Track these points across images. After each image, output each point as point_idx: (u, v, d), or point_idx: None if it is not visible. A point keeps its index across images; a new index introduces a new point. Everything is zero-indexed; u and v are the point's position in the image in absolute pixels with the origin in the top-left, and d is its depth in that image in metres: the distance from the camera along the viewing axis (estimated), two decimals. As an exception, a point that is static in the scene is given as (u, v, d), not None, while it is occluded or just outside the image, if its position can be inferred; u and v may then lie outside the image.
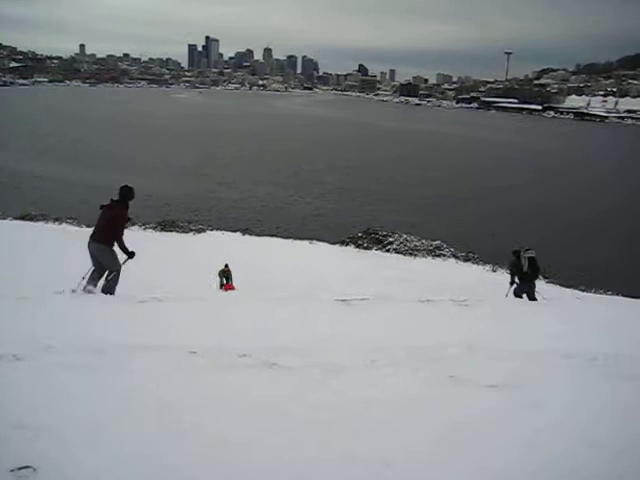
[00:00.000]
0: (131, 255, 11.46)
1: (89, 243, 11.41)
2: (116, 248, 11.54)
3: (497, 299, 13.03)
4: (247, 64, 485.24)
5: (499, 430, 5.37)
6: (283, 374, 6.60)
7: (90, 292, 11.01)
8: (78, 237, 34.46)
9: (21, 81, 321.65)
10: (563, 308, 12.44)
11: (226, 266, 23.41)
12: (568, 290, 28.01)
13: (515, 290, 16.57)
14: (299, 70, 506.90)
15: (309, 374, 6.61)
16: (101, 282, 11.54)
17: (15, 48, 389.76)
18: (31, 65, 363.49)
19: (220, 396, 5.84)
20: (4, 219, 38.61)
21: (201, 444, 4.81)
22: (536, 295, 16.39)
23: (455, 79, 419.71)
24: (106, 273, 11.52)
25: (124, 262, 11.61)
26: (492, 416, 5.70)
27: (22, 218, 38.80)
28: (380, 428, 5.29)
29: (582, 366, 7.49)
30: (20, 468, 4.23)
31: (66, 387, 5.71)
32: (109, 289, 11.34)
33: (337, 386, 6.29)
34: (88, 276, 11.44)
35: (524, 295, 16.32)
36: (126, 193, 11.76)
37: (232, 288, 22.49)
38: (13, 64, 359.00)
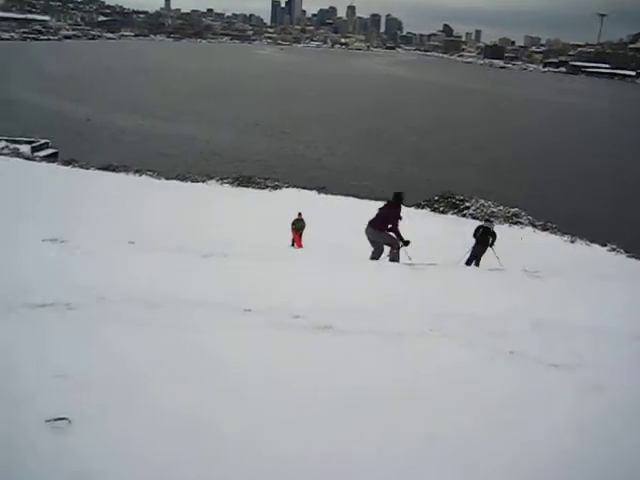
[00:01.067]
0: (406, 243, 13.10)
1: (367, 229, 13.34)
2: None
3: (573, 271, 12.38)
4: (330, 22, 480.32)
5: (553, 412, 5.14)
6: (337, 339, 6.43)
7: None
8: (161, 188, 35.61)
9: (108, 35, 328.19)
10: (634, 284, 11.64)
11: (299, 215, 23.36)
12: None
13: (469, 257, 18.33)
14: (382, 29, 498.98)
15: (364, 340, 6.43)
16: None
17: (103, 2, 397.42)
18: (118, 19, 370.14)
19: (268, 358, 5.76)
20: (87, 169, 39.73)
21: (242, 405, 4.79)
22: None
23: (544, 42, 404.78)
24: (389, 249, 13.28)
25: (400, 246, 13.20)
26: (548, 397, 5.43)
27: (104, 169, 39.78)
28: (428, 403, 5.16)
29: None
30: (56, 419, 4.25)
31: (114, 340, 5.75)
32: (394, 258, 13.08)
33: (391, 356, 6.12)
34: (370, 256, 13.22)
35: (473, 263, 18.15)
36: (401, 198, 13.58)
37: (300, 246, 22.54)
38: (101, 18, 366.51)
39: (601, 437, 4.76)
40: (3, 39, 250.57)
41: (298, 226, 23.00)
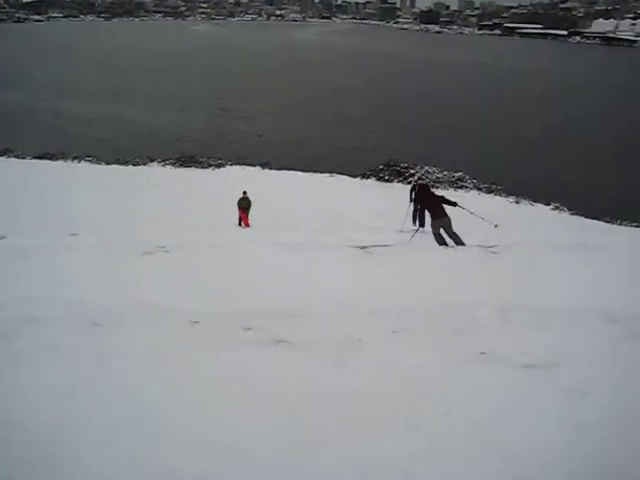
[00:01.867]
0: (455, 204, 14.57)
1: (434, 222, 14.24)
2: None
3: (527, 241, 12.17)
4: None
5: (535, 425, 4.77)
6: (290, 355, 5.95)
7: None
8: (101, 174, 34.82)
9: (36, 17, 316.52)
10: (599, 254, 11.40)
11: (244, 193, 23.06)
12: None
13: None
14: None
15: (321, 352, 5.97)
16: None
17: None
18: (45, 0, 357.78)
19: (214, 382, 5.38)
20: (23, 158, 38.63)
21: (189, 446, 4.50)
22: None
23: (477, 5, 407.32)
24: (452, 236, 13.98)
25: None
26: (527, 407, 5.05)
27: (41, 157, 38.73)
28: (399, 425, 4.79)
29: (630, 335, 6.48)
30: None
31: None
32: (460, 241, 13.68)
33: (351, 370, 5.67)
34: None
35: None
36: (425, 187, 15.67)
37: (247, 224, 22.33)
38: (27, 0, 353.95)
39: (587, 450, 4.47)
40: None
41: (244, 205, 22.73)
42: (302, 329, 6.64)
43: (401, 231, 17.95)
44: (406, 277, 9.25)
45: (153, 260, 10.13)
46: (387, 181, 34.78)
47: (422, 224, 17.62)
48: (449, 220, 14.21)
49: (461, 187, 33.41)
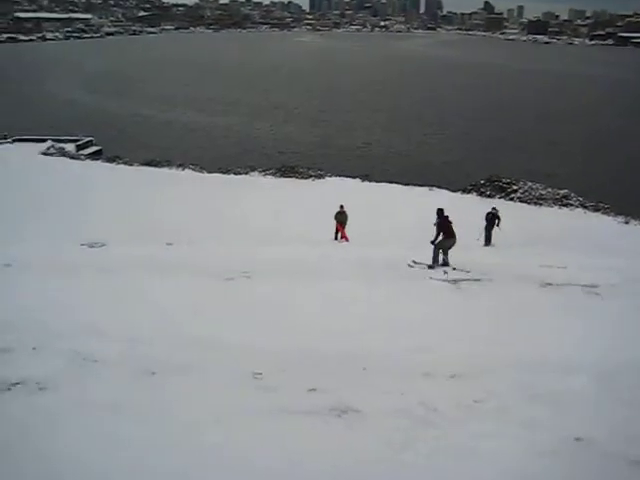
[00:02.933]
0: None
1: (448, 240, 16.26)
2: None
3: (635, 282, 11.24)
4: (368, 5, 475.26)
5: None
6: (357, 431, 5.45)
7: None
8: (203, 181, 35.63)
9: (149, 29, 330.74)
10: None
11: (341, 207, 22.79)
12: None
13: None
14: (422, 10, 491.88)
15: (390, 430, 5.49)
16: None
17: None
18: (158, 13, 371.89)
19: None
20: (131, 165, 40.01)
21: None
22: None
23: (589, 14, 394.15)
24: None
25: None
26: None
27: (148, 164, 39.99)
28: None
29: None
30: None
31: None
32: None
33: (422, 456, 5.12)
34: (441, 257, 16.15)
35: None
36: (443, 212, 16.84)
37: (346, 239, 22.12)
38: (141, 13, 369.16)
39: None
40: (47, 39, 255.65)
41: (341, 219, 22.52)
42: (370, 392, 6.17)
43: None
44: (496, 322, 8.75)
45: (231, 287, 10.11)
46: (488, 196, 33.81)
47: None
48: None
49: (566, 205, 32.07)
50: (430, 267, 15.24)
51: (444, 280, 11.65)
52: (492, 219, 22.94)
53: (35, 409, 6.09)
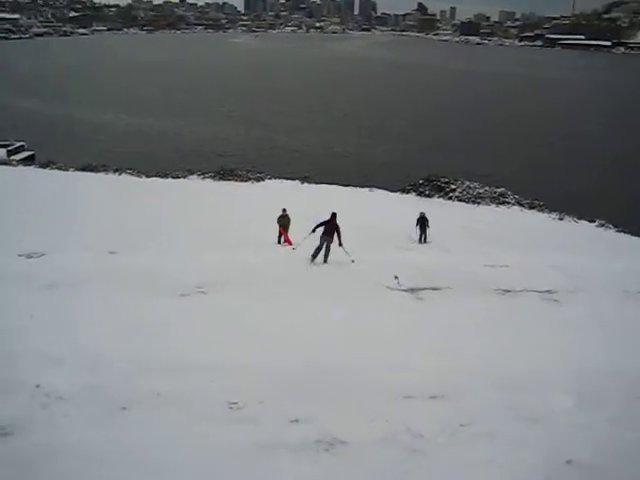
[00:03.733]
0: (341, 244, 17.63)
1: (322, 236, 17.77)
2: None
3: (591, 286, 11.46)
4: (303, 6, 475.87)
5: None
6: (344, 465, 5.25)
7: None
8: (141, 186, 34.98)
9: (81, 30, 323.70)
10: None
11: (284, 211, 22.53)
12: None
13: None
14: (357, 11, 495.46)
15: (380, 462, 5.40)
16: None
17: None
18: (90, 14, 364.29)
19: None
20: (66, 170, 39.05)
21: None
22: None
23: (518, 16, 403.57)
24: (326, 250, 17.79)
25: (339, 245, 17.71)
26: None
27: (83, 169, 39.09)
28: None
29: None
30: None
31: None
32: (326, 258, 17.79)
33: None
34: (314, 253, 17.62)
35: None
36: (335, 216, 18.10)
37: (289, 242, 22.00)
38: (72, 14, 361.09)
39: None
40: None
41: (284, 222, 22.35)
42: (354, 419, 6.01)
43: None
44: (465, 335, 8.74)
45: (187, 303, 9.92)
46: (427, 196, 34.29)
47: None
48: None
49: (503, 203, 32.79)
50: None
51: (402, 290, 11.65)
52: (423, 223, 24.94)
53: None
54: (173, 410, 6.53)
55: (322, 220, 18.41)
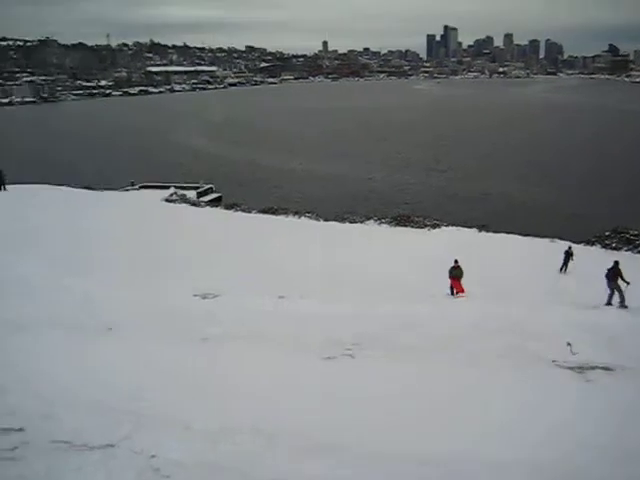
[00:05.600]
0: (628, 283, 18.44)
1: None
2: None
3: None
4: (487, 51, 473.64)
5: None
6: None
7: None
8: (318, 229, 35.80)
9: (270, 80, 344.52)
10: None
11: (456, 262, 22.09)
12: None
13: None
14: (542, 55, 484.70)
15: None
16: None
17: (265, 50, 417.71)
18: (279, 64, 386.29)
19: None
20: (249, 212, 40.86)
21: None
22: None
23: None
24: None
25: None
26: None
27: (265, 212, 40.68)
28: None
29: None
30: None
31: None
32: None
33: None
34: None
35: None
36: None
37: (462, 290, 21.39)
38: (263, 64, 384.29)
39: None
40: (176, 90, 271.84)
41: (456, 274, 21.77)
42: None
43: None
44: None
45: (330, 368, 9.81)
46: (614, 249, 32.02)
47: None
48: None
49: None
50: None
51: (568, 367, 10.71)
52: (568, 256, 26.29)
53: None
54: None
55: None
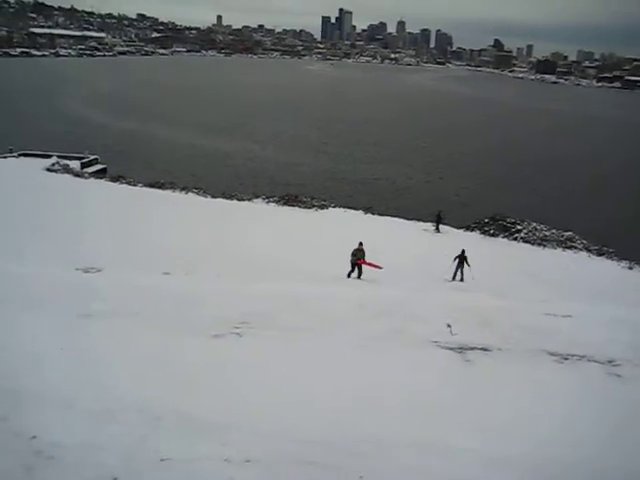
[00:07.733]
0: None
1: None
2: None
3: None
4: (379, 37, 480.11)
5: None
6: None
7: None
8: (205, 206, 35.40)
9: (161, 51, 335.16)
10: None
11: (360, 244, 22.23)
12: None
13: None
14: (432, 44, 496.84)
15: None
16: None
17: (157, 19, 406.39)
18: (171, 35, 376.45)
19: None
20: (135, 185, 39.97)
21: None
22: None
23: (597, 56, 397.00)
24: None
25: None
26: None
27: (152, 185, 39.92)
28: None
29: None
30: None
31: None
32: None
33: None
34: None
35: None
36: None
37: (375, 265, 21.75)
38: (154, 34, 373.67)
39: None
40: (61, 55, 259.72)
41: (360, 255, 22.06)
42: None
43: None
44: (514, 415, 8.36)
45: (221, 346, 9.82)
46: (492, 235, 33.61)
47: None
48: None
49: (570, 247, 31.83)
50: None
51: (449, 348, 11.16)
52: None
53: None
54: None
55: None
